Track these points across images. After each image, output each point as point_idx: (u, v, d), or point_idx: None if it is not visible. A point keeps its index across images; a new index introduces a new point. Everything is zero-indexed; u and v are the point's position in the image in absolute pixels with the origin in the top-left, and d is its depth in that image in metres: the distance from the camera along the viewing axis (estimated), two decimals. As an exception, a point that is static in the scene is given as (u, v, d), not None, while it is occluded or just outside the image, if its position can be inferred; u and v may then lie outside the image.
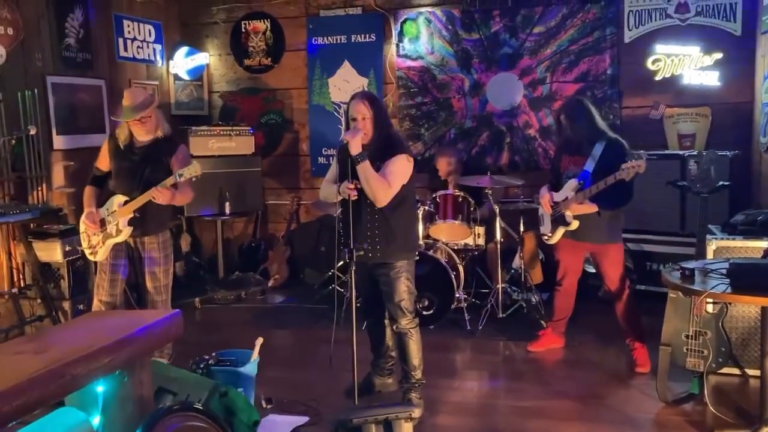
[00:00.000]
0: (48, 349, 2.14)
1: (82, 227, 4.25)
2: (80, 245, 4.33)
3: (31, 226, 4.86)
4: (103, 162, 4.23)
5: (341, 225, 3.57)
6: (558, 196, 4.28)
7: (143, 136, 4.11)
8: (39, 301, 4.76)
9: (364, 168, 3.40)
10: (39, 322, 4.68)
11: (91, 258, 4.25)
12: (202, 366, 3.52)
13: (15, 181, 4.94)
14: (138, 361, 2.41)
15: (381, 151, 3.50)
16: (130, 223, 4.06)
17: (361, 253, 3.45)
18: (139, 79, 6.43)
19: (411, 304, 3.63)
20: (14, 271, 4.90)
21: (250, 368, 3.59)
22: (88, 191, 4.25)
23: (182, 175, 3.93)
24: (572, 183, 4.17)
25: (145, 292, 4.24)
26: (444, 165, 5.63)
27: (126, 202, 4.05)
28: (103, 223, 4.11)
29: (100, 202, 4.19)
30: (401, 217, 3.57)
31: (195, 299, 5.80)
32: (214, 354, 3.67)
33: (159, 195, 3.94)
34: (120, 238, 4.09)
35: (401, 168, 3.49)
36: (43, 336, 2.94)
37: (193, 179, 4.00)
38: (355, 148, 3.40)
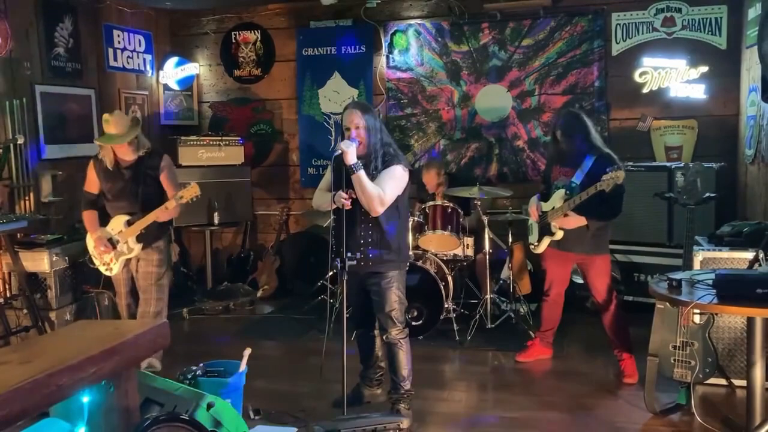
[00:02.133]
0: (33, 359, 2.12)
1: (90, 247, 4.46)
2: (92, 264, 4.55)
3: (18, 235, 4.83)
4: (93, 185, 4.40)
5: (334, 235, 3.57)
6: (545, 206, 4.31)
7: (129, 156, 4.30)
8: (25, 311, 4.72)
9: (359, 178, 3.40)
10: (25, 333, 4.63)
11: (107, 273, 4.49)
12: (189, 377, 3.50)
13: (1, 191, 4.90)
14: (124, 372, 2.38)
15: (377, 161, 3.51)
16: (138, 239, 4.32)
17: (353, 263, 3.45)
18: (129, 89, 6.43)
19: (401, 314, 3.63)
20: (0, 281, 4.86)
21: (238, 379, 3.57)
22: (89, 215, 4.42)
23: (182, 197, 4.18)
24: (559, 193, 4.20)
25: (148, 292, 4.43)
26: (430, 178, 5.62)
27: (129, 222, 4.29)
28: (111, 242, 4.34)
29: (101, 222, 4.41)
30: (395, 227, 3.57)
31: (183, 310, 5.77)
32: (201, 365, 3.64)
33: (163, 215, 4.22)
34: (133, 254, 4.36)
35: (397, 178, 3.50)
36: (28, 346, 2.92)
37: (192, 200, 4.25)
38: (350, 158, 3.40)
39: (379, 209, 3.44)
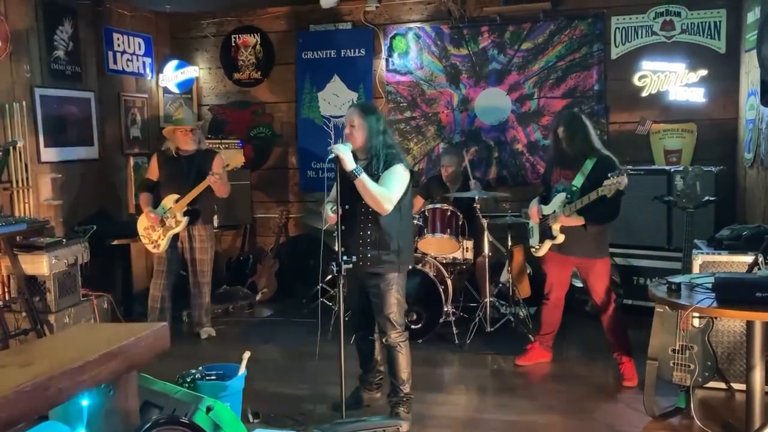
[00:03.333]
0: (33, 362, 2.12)
1: (141, 228, 5.12)
2: (142, 241, 5.18)
3: (18, 238, 4.81)
4: (153, 173, 5.16)
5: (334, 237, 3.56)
6: (546, 210, 4.31)
7: (189, 146, 5.05)
8: (24, 314, 4.71)
9: (362, 181, 3.39)
10: (24, 336, 4.62)
11: (154, 251, 5.11)
12: (188, 380, 3.49)
13: (1, 194, 4.90)
14: (124, 375, 2.38)
15: (378, 162, 3.51)
16: (185, 214, 4.99)
17: (350, 266, 3.42)
18: (129, 92, 6.43)
19: (400, 317, 3.63)
20: (-1, 284, 4.86)
21: (238, 382, 3.56)
22: (144, 196, 5.14)
23: (228, 164, 4.90)
24: (560, 197, 4.20)
25: (194, 275, 5.17)
26: (451, 168, 5.60)
27: (178, 200, 4.95)
28: (161, 220, 5.00)
29: (154, 205, 5.08)
30: (396, 228, 3.57)
31: (182, 313, 5.75)
32: (200, 368, 3.64)
33: (212, 180, 4.84)
34: (179, 229, 5.01)
35: (399, 177, 3.50)
36: (28, 349, 2.92)
37: (237, 168, 5.08)
38: (348, 164, 3.38)
39: (388, 207, 3.44)
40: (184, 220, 5.00)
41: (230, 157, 4.99)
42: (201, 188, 4.90)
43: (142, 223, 5.11)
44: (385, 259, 3.55)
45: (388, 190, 3.43)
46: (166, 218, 5.00)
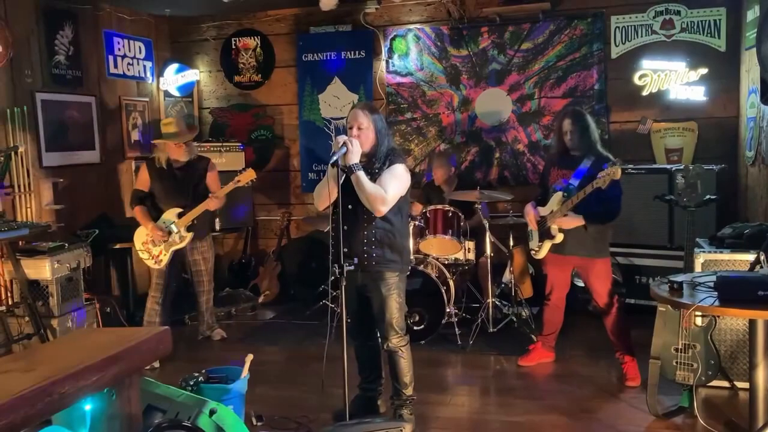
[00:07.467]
0: (36, 367, 2.12)
1: (138, 242, 4.94)
2: (140, 256, 5.00)
3: (20, 243, 4.82)
4: (144, 184, 4.95)
5: (333, 237, 3.53)
6: (544, 211, 4.31)
7: (182, 157, 4.88)
8: (27, 319, 4.71)
9: (359, 177, 3.34)
10: (27, 341, 4.63)
11: (155, 267, 4.92)
12: (191, 383, 3.49)
13: (3, 198, 4.91)
14: (126, 379, 2.38)
15: (380, 162, 3.47)
16: (189, 229, 4.87)
17: (351, 268, 3.39)
18: (130, 96, 6.44)
19: (402, 321, 3.59)
20: (2, 289, 4.86)
21: (240, 385, 3.57)
22: (140, 210, 4.92)
23: (239, 180, 4.76)
24: (557, 196, 4.20)
25: (200, 285, 5.12)
26: (440, 172, 5.63)
27: (181, 214, 4.82)
28: (168, 229, 4.84)
29: (153, 218, 4.90)
30: (397, 228, 3.54)
31: (185, 316, 5.76)
32: (203, 371, 3.64)
33: (213, 203, 4.79)
34: (183, 244, 4.88)
35: (400, 177, 3.46)
36: (31, 354, 2.92)
37: (248, 184, 4.87)
38: (353, 157, 3.32)
39: (382, 209, 3.38)
40: (188, 235, 4.87)
41: (242, 174, 4.78)
42: (202, 208, 4.82)
43: (140, 237, 4.96)
44: (389, 259, 3.50)
45: (385, 191, 3.38)
46: (172, 230, 4.85)
